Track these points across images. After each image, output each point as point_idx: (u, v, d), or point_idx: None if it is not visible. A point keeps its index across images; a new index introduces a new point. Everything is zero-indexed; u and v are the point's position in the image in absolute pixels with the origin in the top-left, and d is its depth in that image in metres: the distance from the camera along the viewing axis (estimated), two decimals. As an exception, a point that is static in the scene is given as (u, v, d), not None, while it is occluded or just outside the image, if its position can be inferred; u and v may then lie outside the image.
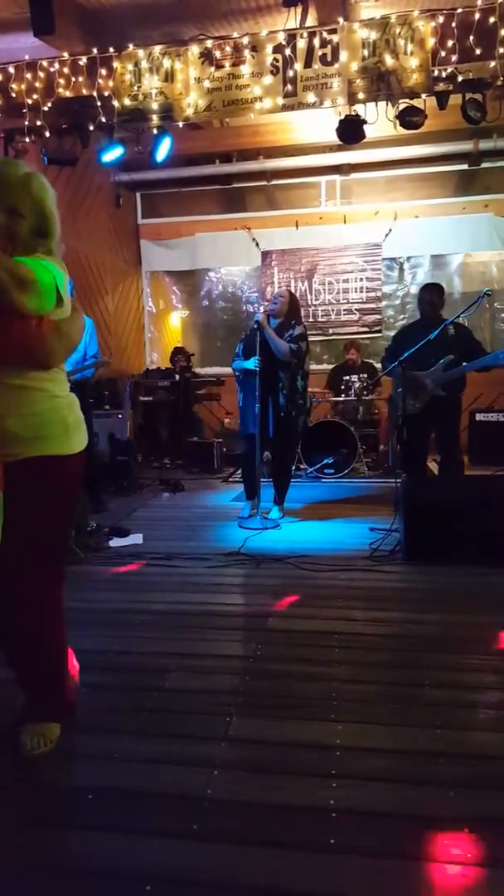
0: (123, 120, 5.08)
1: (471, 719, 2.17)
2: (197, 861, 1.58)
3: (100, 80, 5.03)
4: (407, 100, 4.67)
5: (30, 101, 5.14)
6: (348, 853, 1.59)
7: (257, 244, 8.53)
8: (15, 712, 2.12)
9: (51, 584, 2.06)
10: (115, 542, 4.32)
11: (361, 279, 8.31)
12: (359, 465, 6.57)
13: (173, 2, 5.23)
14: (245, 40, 4.80)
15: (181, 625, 3.00)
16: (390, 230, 8.13)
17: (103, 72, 5.03)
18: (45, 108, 5.13)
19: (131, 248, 8.87)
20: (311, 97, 4.73)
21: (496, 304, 8.27)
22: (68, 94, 5.11)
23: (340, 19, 4.68)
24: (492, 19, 4.40)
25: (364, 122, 4.83)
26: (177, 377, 7.69)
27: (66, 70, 5.08)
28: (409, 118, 4.71)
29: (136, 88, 5.01)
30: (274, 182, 8.49)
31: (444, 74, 4.56)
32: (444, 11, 4.48)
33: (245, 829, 1.68)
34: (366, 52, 4.60)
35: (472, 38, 4.43)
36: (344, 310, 8.40)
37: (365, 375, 7.09)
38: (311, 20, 5.29)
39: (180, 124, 5.15)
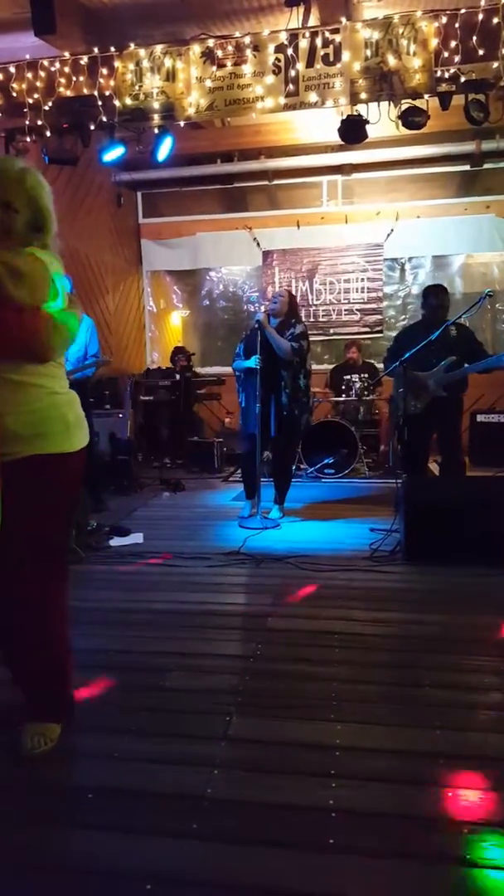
0: (124, 119, 5.07)
1: (471, 720, 2.17)
2: (197, 860, 1.58)
3: (101, 80, 5.03)
4: (409, 100, 4.66)
5: (31, 101, 5.13)
6: (348, 853, 1.59)
7: (258, 244, 8.53)
8: (15, 712, 2.11)
9: (52, 584, 2.05)
10: (116, 542, 4.32)
11: (363, 279, 8.30)
12: (359, 466, 6.57)
13: (175, 1, 5.23)
14: (247, 40, 4.79)
15: (181, 624, 3.00)
16: (392, 230, 8.13)
17: (104, 71, 5.02)
18: (46, 108, 5.12)
19: (132, 248, 8.86)
20: (313, 97, 4.73)
21: (497, 305, 8.26)
22: (69, 93, 5.10)
23: (343, 19, 4.67)
24: (495, 20, 4.39)
25: (366, 122, 4.82)
26: (177, 377, 7.69)
27: (66, 69, 5.07)
28: (411, 118, 4.70)
29: (137, 88, 5.00)
30: (275, 182, 8.48)
31: (446, 75, 4.55)
32: (448, 12, 4.47)
33: (245, 828, 1.68)
34: (368, 52, 4.60)
35: (475, 38, 4.42)
36: (345, 310, 8.40)
37: (366, 375, 7.09)
38: (313, 20, 5.28)
39: (181, 124, 5.14)
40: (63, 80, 5.09)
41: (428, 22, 4.50)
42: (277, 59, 4.75)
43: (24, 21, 4.97)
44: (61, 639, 2.09)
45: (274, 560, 3.91)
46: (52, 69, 5.09)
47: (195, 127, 7.07)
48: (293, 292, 7.07)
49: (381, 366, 5.81)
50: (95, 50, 5.03)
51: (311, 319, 8.30)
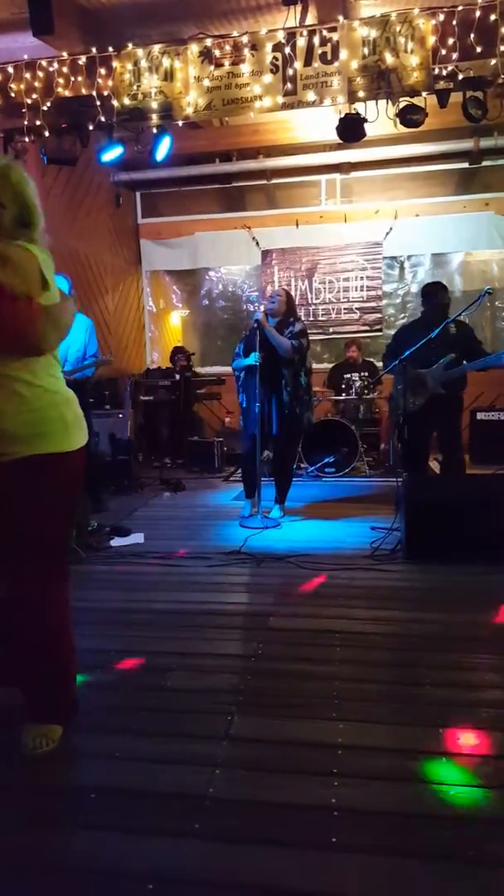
0: (123, 119, 5.07)
1: (472, 718, 2.17)
2: (198, 860, 1.58)
3: (99, 80, 5.03)
4: (407, 98, 4.65)
5: (29, 101, 5.14)
6: (350, 852, 1.59)
7: (257, 243, 8.52)
8: (15, 712, 2.11)
9: (52, 584, 2.05)
10: (116, 542, 4.32)
11: (362, 278, 8.30)
12: (360, 464, 6.57)
13: (173, 1, 5.23)
14: (245, 39, 4.79)
15: (182, 624, 3.00)
16: (391, 229, 8.12)
17: (102, 71, 5.02)
18: (45, 108, 5.12)
19: (131, 248, 8.86)
20: (311, 95, 4.72)
21: (497, 302, 8.26)
22: (67, 93, 5.10)
23: (340, 17, 4.67)
24: (492, 17, 4.39)
25: (364, 120, 4.82)
26: (177, 376, 7.69)
27: (65, 70, 5.07)
28: (409, 116, 4.70)
29: (135, 88, 5.00)
30: (274, 181, 8.48)
31: (444, 72, 4.54)
32: (445, 9, 4.47)
33: (246, 828, 1.68)
34: (366, 51, 4.59)
35: (472, 35, 4.42)
36: (344, 308, 8.40)
37: (366, 374, 7.09)
38: (310, 18, 5.28)
39: (180, 123, 5.14)
40: (61, 81, 5.09)
41: (425, 19, 4.49)
42: (275, 58, 4.75)
43: (23, 21, 4.97)
44: (63, 639, 2.09)
45: (275, 559, 3.91)
46: (51, 69, 5.09)
47: (193, 126, 7.07)
48: (292, 291, 7.07)
49: (380, 364, 5.80)
50: (93, 50, 5.03)
51: (311, 318, 8.30)
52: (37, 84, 5.12)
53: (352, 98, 4.69)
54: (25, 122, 5.18)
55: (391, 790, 1.81)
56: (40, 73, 5.10)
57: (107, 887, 1.51)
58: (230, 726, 2.13)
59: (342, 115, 4.91)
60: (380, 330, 8.30)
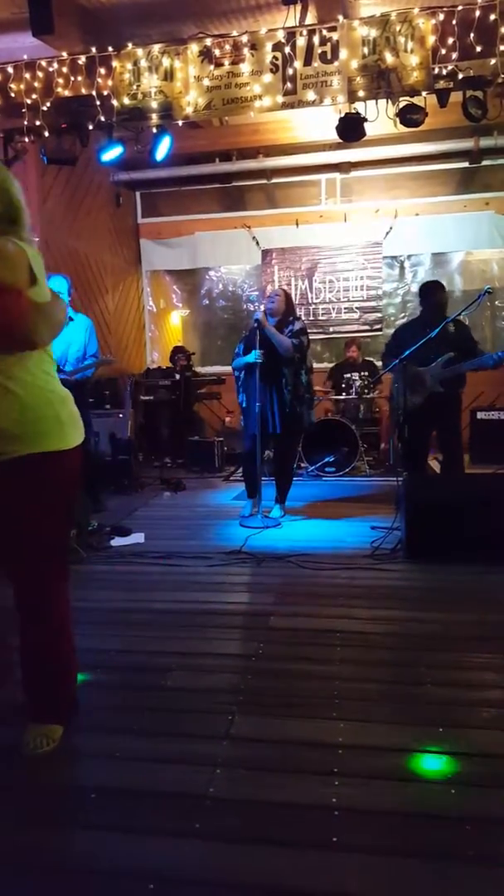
0: (123, 119, 5.07)
1: (472, 717, 2.17)
2: (199, 859, 1.58)
3: (99, 80, 5.03)
4: (407, 97, 4.66)
5: (29, 101, 5.14)
6: (350, 851, 1.59)
7: (257, 243, 8.52)
8: (15, 712, 2.11)
9: (53, 584, 2.04)
10: (117, 542, 4.32)
11: (362, 277, 8.29)
12: (360, 464, 6.57)
13: (172, 0, 5.22)
14: (244, 38, 4.79)
15: (182, 623, 3.00)
16: (391, 228, 8.12)
17: (102, 71, 5.02)
18: (45, 108, 5.12)
19: (131, 247, 8.86)
20: (310, 95, 4.72)
21: (497, 302, 8.26)
22: (67, 93, 5.10)
23: (340, 17, 4.67)
24: (492, 17, 4.39)
25: (364, 119, 4.82)
26: (177, 376, 7.68)
27: (65, 69, 5.07)
28: (409, 116, 4.70)
29: (135, 87, 5.00)
30: (274, 180, 8.48)
31: (444, 72, 4.54)
32: (445, 9, 4.47)
33: (247, 827, 1.68)
34: (366, 50, 4.60)
35: (472, 35, 4.42)
36: (344, 308, 8.39)
37: (366, 373, 7.09)
38: (310, 18, 5.27)
39: (180, 123, 5.14)
40: (61, 81, 5.09)
41: (425, 19, 4.49)
42: (275, 58, 4.75)
43: (23, 21, 4.96)
44: (63, 639, 2.09)
45: (275, 559, 3.91)
46: (51, 69, 5.09)
47: (193, 126, 7.07)
48: (292, 291, 7.07)
49: (380, 363, 5.80)
50: (93, 50, 5.03)
51: (311, 318, 8.30)
52: (36, 84, 5.12)
53: (352, 97, 4.69)
54: (25, 122, 5.18)
55: (391, 790, 1.81)
56: (40, 73, 5.10)
57: (107, 887, 1.52)
58: (230, 726, 2.13)
59: (342, 115, 4.91)
60: (380, 329, 8.30)
